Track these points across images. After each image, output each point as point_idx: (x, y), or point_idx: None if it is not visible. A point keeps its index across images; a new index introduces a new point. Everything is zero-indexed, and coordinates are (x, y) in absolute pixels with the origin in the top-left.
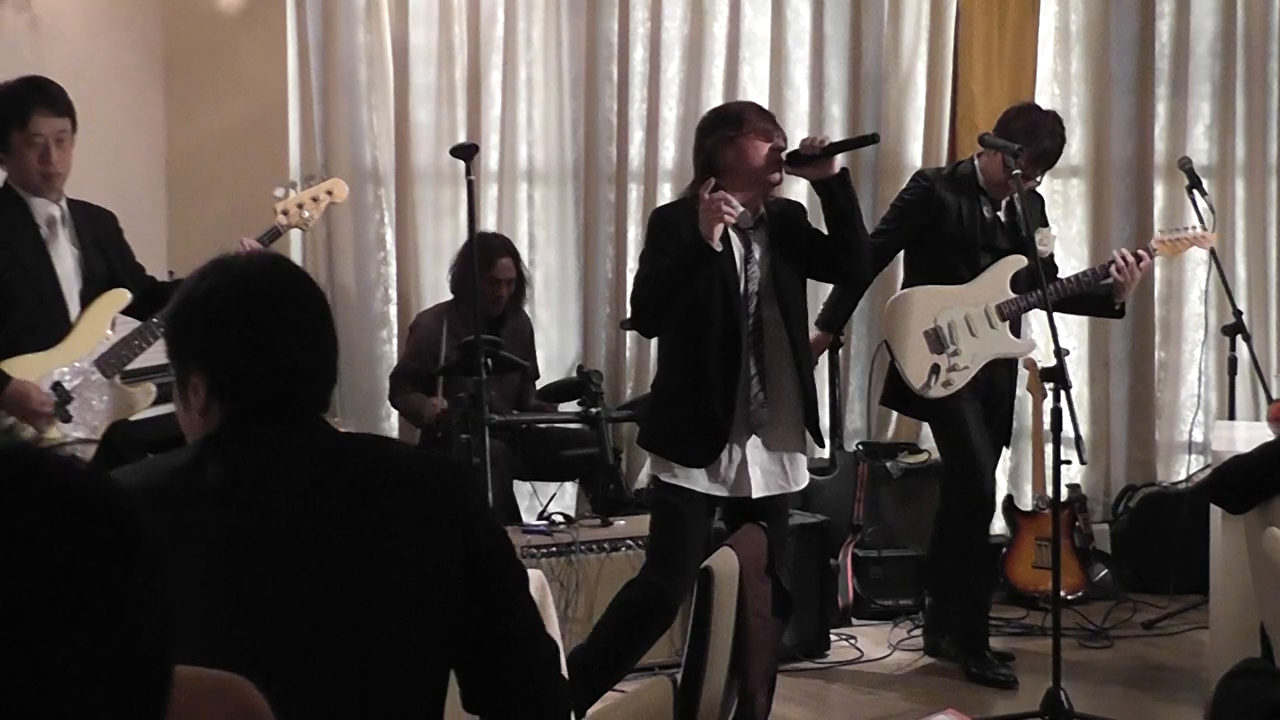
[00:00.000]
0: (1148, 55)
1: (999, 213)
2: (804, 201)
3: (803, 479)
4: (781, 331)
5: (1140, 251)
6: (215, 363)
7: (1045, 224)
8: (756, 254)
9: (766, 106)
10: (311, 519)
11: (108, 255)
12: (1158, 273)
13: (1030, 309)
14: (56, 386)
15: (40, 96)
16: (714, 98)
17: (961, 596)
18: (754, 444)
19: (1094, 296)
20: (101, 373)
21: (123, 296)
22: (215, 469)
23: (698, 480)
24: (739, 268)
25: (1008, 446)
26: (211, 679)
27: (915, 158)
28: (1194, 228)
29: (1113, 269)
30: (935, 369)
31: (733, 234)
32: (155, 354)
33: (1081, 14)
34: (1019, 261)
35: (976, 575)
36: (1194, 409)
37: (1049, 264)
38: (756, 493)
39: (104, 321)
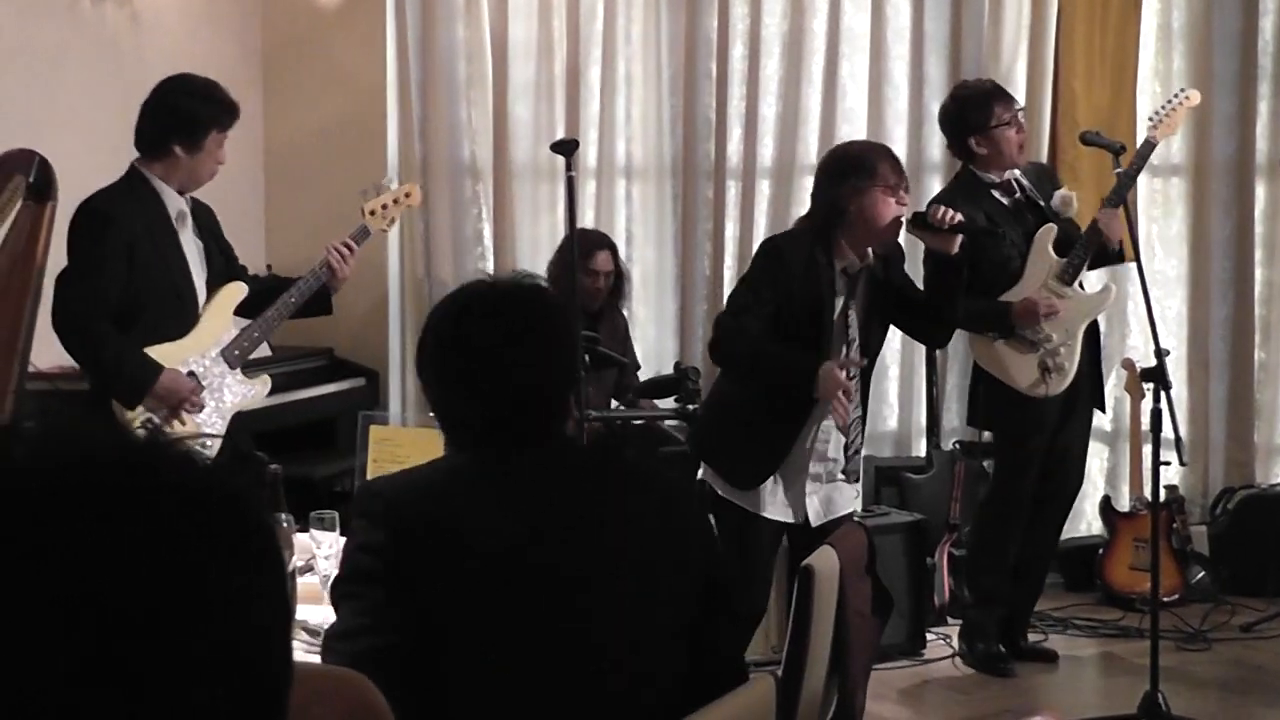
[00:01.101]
0: (1250, 53)
1: (1015, 195)
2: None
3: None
4: (859, 380)
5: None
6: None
7: (1057, 185)
8: (855, 302)
9: (865, 104)
10: (573, 533)
11: (222, 248)
12: (1258, 273)
13: (1084, 265)
14: (190, 376)
15: (234, 112)
16: (813, 94)
17: (972, 588)
18: (813, 476)
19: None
20: (227, 364)
21: (241, 289)
22: (477, 487)
23: (764, 506)
24: (837, 313)
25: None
26: (330, 676)
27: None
28: (1179, 98)
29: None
30: (1042, 365)
31: (838, 279)
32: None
33: (1184, 12)
34: (1051, 230)
35: (995, 577)
36: None
37: (1075, 224)
38: (815, 521)
39: (227, 313)
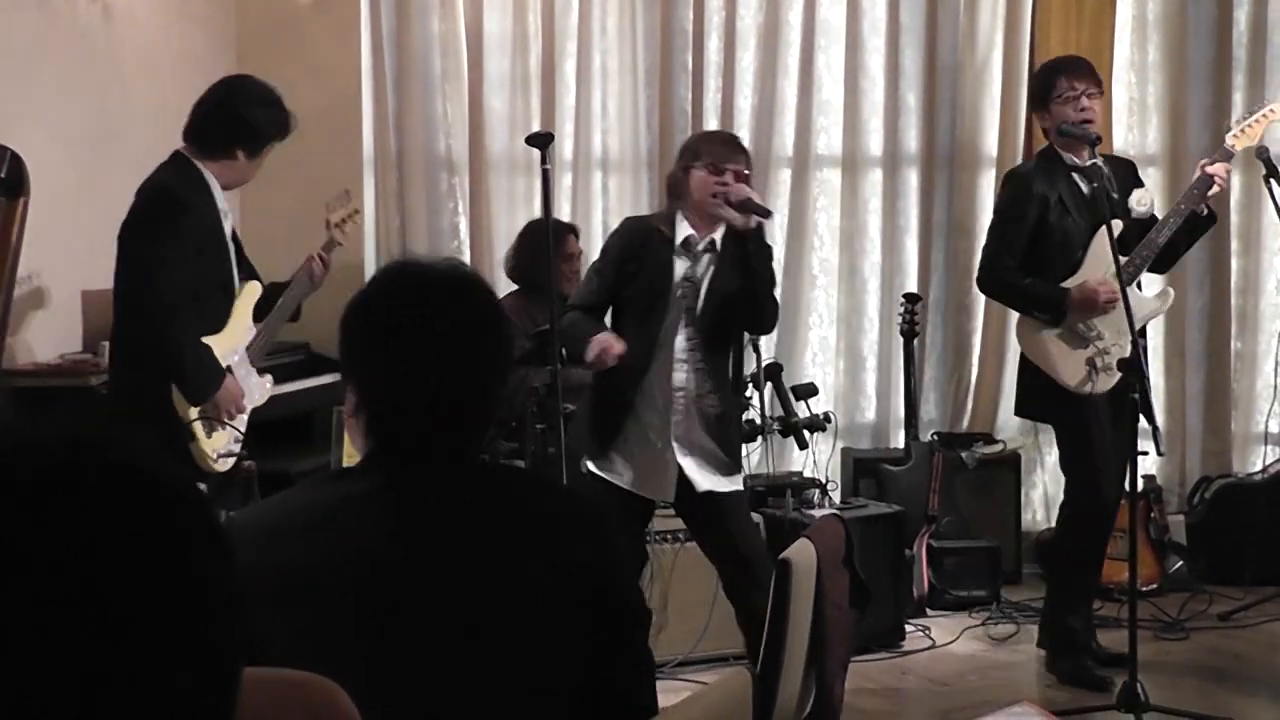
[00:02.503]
0: (1225, 44)
1: (1095, 182)
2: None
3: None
4: (703, 352)
5: (1218, 164)
6: (362, 385)
7: (1140, 184)
8: (699, 276)
9: (841, 96)
10: (449, 552)
11: (240, 247)
12: (1234, 263)
13: (1144, 268)
14: (228, 369)
15: (294, 126)
16: (789, 86)
17: (1061, 597)
18: (678, 450)
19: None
20: (249, 361)
21: (258, 289)
22: (358, 500)
23: (623, 476)
24: (674, 285)
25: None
26: (291, 679)
27: (991, 147)
28: (1262, 109)
29: (1214, 186)
30: (1091, 362)
31: (675, 256)
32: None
33: (1159, 3)
34: (1117, 226)
35: (1083, 579)
36: (1270, 399)
37: (1146, 226)
38: (700, 487)
39: (249, 313)
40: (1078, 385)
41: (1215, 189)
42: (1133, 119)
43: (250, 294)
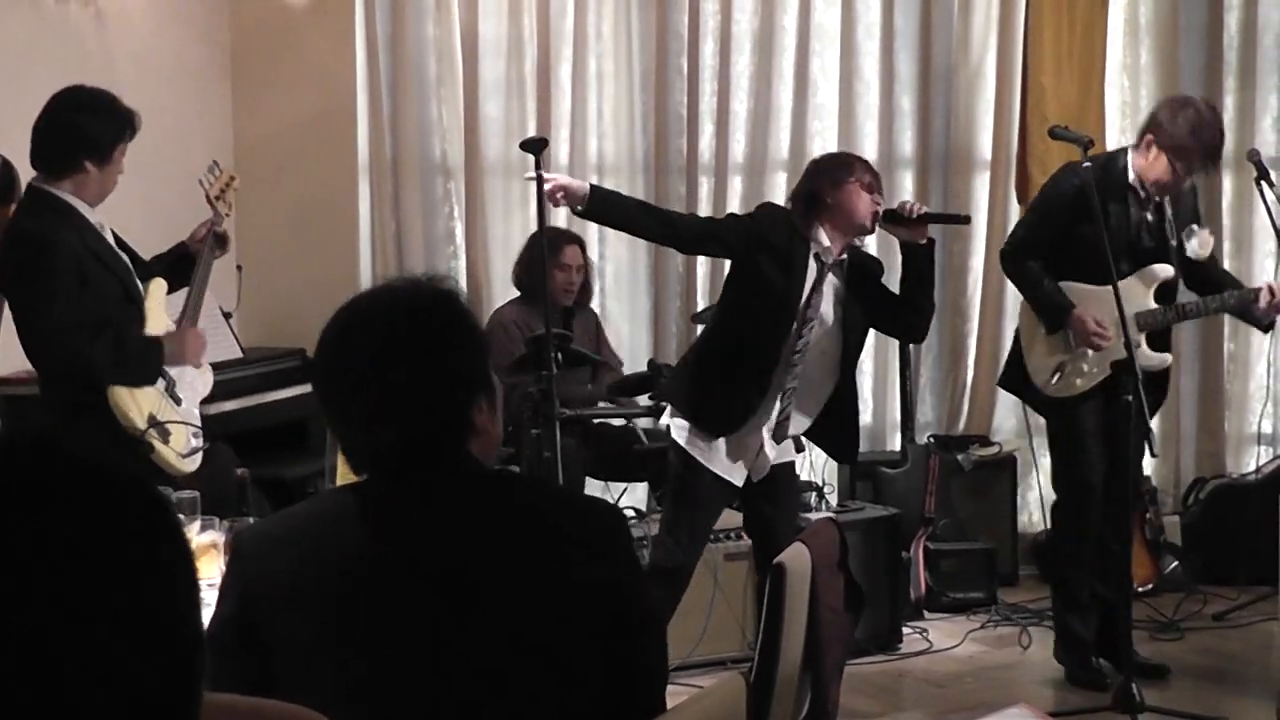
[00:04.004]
0: (1216, 47)
1: (1146, 212)
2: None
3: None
4: (830, 365)
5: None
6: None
7: (1198, 219)
8: (826, 289)
9: (836, 100)
10: (448, 561)
11: (123, 244)
12: (1226, 265)
13: (1170, 324)
14: (163, 373)
15: (136, 123)
16: (784, 91)
17: (1059, 593)
18: (770, 445)
19: (1243, 313)
20: None
21: (163, 284)
22: (360, 510)
23: (716, 462)
24: (804, 294)
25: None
26: (271, 710)
27: (985, 151)
28: None
29: (1260, 303)
30: (1060, 367)
31: (811, 261)
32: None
33: (1150, 6)
34: (1166, 271)
35: (1078, 575)
36: (1263, 400)
37: (1209, 265)
38: (756, 476)
39: (163, 308)
40: (1034, 374)
41: (1258, 310)
42: (1125, 122)
43: (157, 290)
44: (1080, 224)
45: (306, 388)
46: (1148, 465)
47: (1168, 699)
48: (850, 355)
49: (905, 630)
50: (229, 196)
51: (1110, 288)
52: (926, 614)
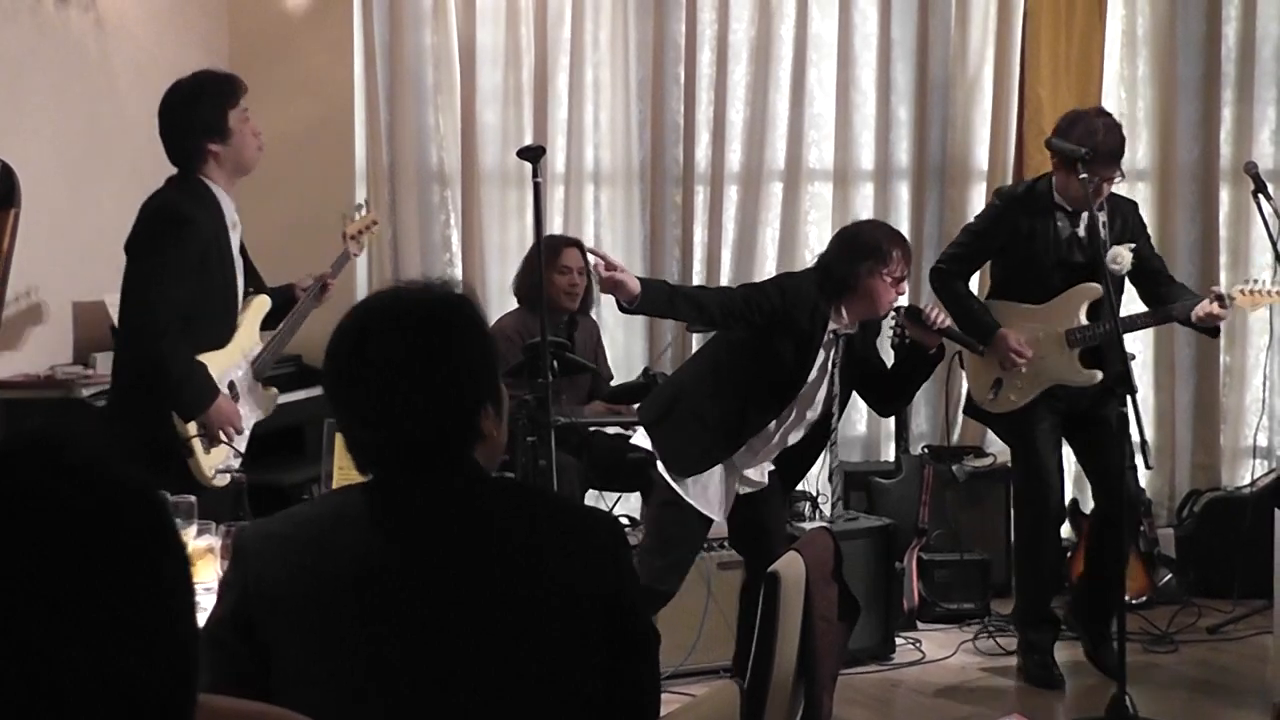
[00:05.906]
0: (1214, 59)
1: (1077, 229)
2: None
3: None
4: (806, 428)
5: (1215, 309)
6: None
7: (1143, 228)
8: (827, 366)
9: (833, 110)
10: (445, 566)
11: (247, 260)
12: (1223, 277)
13: (1098, 340)
14: (231, 385)
15: (233, 82)
16: (781, 100)
17: (1020, 605)
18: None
19: (1186, 323)
20: (255, 375)
21: (267, 303)
22: (362, 513)
23: (698, 500)
24: (809, 378)
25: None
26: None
27: (981, 161)
28: (1275, 289)
29: (1193, 318)
30: (998, 383)
31: (825, 338)
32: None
33: (1148, 18)
34: (1095, 290)
35: (1039, 584)
36: (1258, 414)
37: (1119, 282)
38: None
39: (256, 326)
40: (977, 393)
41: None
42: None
43: (259, 307)
44: (1011, 243)
45: (303, 393)
46: (1143, 478)
47: (1162, 711)
48: (827, 423)
49: (898, 640)
50: (363, 239)
51: (1040, 308)
52: (920, 624)
